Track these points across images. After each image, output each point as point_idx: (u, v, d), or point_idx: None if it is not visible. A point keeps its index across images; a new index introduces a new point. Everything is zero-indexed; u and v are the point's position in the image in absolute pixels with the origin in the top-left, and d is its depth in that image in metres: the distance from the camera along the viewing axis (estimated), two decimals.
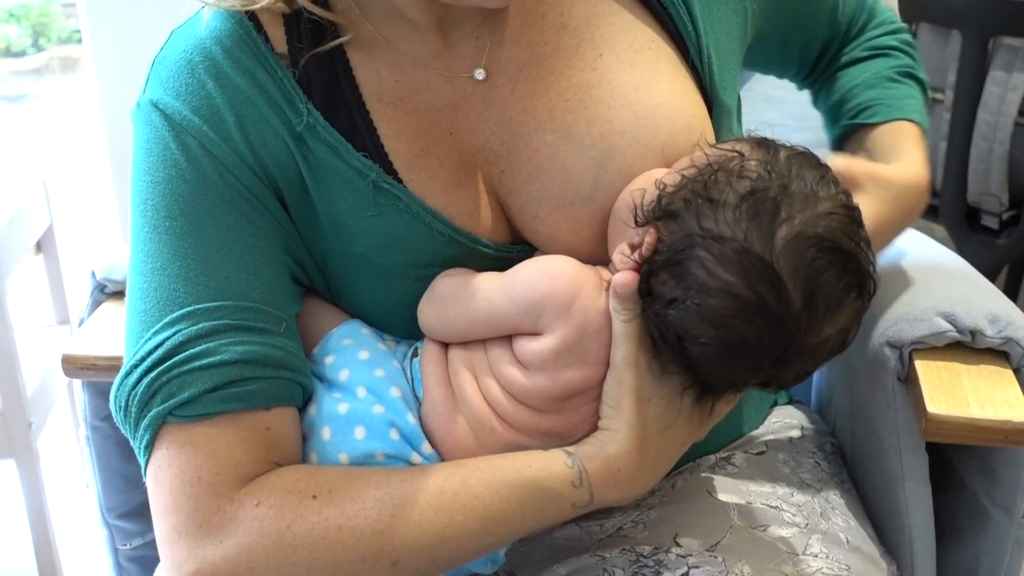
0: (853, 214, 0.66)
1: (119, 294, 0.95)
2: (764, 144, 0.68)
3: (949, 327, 0.82)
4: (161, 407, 0.67)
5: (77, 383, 1.13)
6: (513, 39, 0.75)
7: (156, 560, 0.74)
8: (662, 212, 0.67)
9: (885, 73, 0.92)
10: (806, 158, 0.68)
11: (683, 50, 0.77)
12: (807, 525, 0.81)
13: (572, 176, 0.73)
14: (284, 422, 0.70)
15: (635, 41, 0.75)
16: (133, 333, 0.70)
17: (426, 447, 0.72)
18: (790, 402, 0.99)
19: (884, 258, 0.89)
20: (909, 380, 0.83)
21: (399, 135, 0.73)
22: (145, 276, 0.70)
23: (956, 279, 0.90)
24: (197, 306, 0.68)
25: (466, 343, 0.73)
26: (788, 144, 0.69)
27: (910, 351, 0.83)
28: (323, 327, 0.77)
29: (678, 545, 0.76)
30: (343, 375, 0.73)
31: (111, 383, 0.70)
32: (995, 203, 1.89)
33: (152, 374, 0.67)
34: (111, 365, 0.85)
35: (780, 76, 0.99)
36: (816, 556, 0.78)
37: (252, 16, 0.73)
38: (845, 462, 0.96)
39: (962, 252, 1.00)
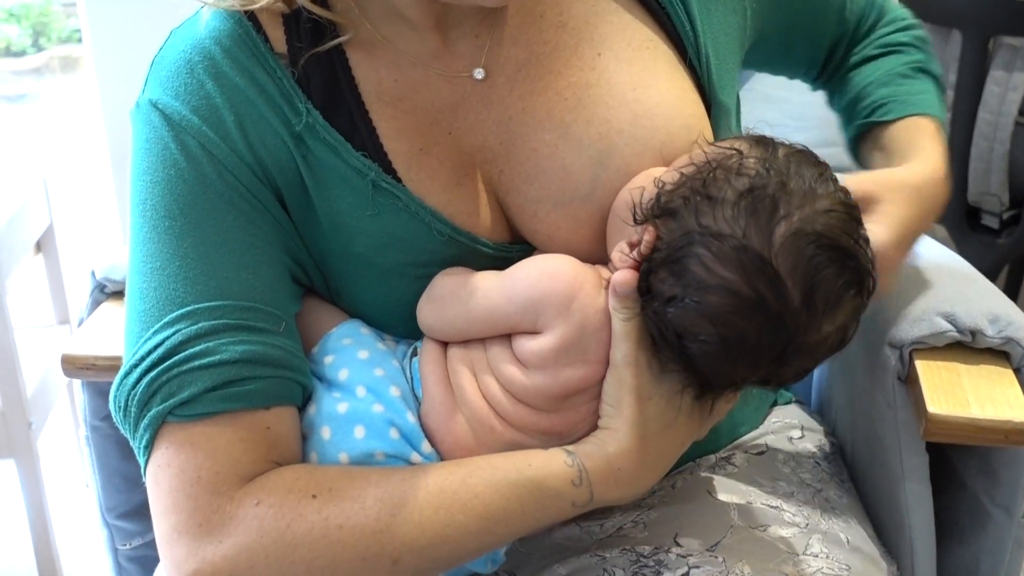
0: (852, 212, 0.66)
1: (119, 294, 0.95)
2: (763, 142, 0.68)
3: (949, 327, 0.82)
4: (161, 407, 0.67)
5: (77, 383, 1.13)
6: (512, 38, 0.75)
7: (156, 560, 0.74)
8: (661, 210, 0.67)
9: (898, 70, 0.91)
10: (805, 156, 0.68)
11: (681, 49, 0.77)
12: (807, 525, 0.81)
13: (571, 175, 0.73)
14: (284, 421, 0.70)
15: (633, 40, 0.75)
16: (133, 333, 0.70)
17: (426, 446, 0.72)
18: (790, 402, 0.99)
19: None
20: (909, 380, 0.83)
21: (398, 134, 0.73)
22: (144, 276, 0.70)
23: (956, 279, 0.90)
24: (196, 306, 0.68)
25: (465, 342, 0.73)
26: (787, 142, 0.69)
27: (910, 351, 0.83)
28: (322, 327, 0.77)
29: (678, 545, 0.76)
30: (343, 374, 0.73)
31: (111, 383, 0.70)
32: (995, 203, 1.89)
33: (152, 374, 0.67)
34: (111, 365, 0.85)
35: (791, 77, 0.98)
36: (816, 556, 0.78)
37: (251, 16, 0.73)
38: (845, 462, 0.96)
39: (962, 252, 1.00)
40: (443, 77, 0.74)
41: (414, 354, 0.75)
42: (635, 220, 0.68)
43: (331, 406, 0.72)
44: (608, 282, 0.68)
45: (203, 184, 0.70)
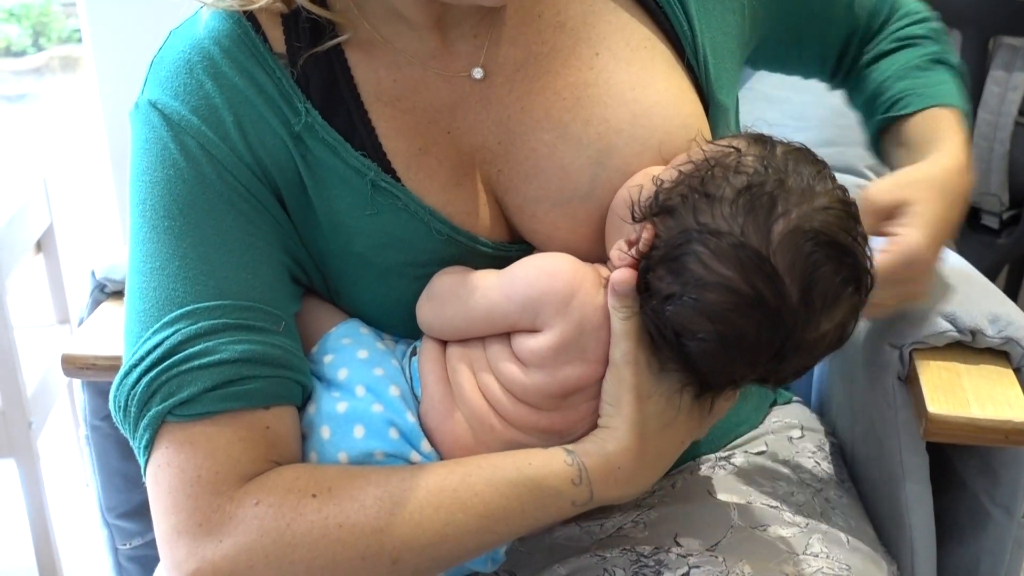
0: (850, 209, 0.66)
1: (119, 294, 0.95)
2: (761, 140, 0.68)
3: (949, 327, 0.82)
4: (160, 406, 0.67)
5: (77, 383, 1.13)
6: (511, 38, 0.75)
7: (156, 560, 0.74)
8: (659, 208, 0.67)
9: (914, 63, 0.90)
10: (803, 154, 0.68)
11: (679, 49, 0.77)
12: (807, 525, 0.81)
13: (569, 175, 0.73)
14: (283, 421, 0.70)
15: (631, 40, 0.75)
16: (132, 333, 0.70)
17: (425, 445, 0.72)
18: (790, 402, 0.99)
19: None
20: (909, 380, 0.82)
21: (397, 134, 0.73)
22: (144, 276, 0.70)
23: (956, 279, 0.90)
24: (196, 305, 0.68)
25: (464, 341, 0.73)
26: (785, 140, 0.69)
27: (910, 351, 0.83)
28: (322, 326, 0.77)
29: (678, 545, 0.76)
30: (342, 374, 0.73)
31: (111, 383, 0.70)
32: (995, 203, 1.89)
33: (151, 373, 0.67)
34: (111, 365, 0.85)
35: (807, 76, 0.97)
36: (816, 556, 0.78)
37: (250, 16, 0.73)
38: (845, 462, 0.96)
39: (962, 252, 1.00)
40: (442, 77, 0.74)
41: (413, 353, 0.75)
42: (633, 218, 0.68)
43: (330, 406, 0.72)
44: (607, 280, 0.68)
45: (202, 184, 0.70)
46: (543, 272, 0.69)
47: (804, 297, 0.63)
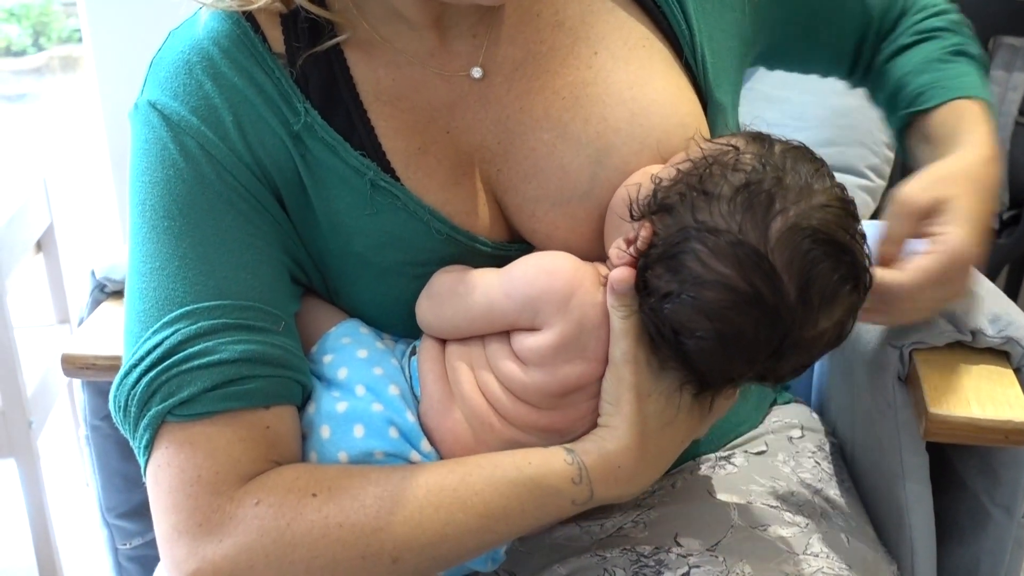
0: (848, 207, 0.66)
1: (119, 293, 0.95)
2: (759, 138, 0.68)
3: (949, 326, 0.82)
4: (160, 406, 0.67)
5: (77, 383, 1.13)
6: (509, 38, 0.75)
7: (156, 559, 0.74)
8: (657, 206, 0.67)
9: (935, 55, 0.89)
10: (801, 152, 0.68)
11: (677, 48, 0.77)
12: (807, 525, 0.81)
13: (569, 174, 0.73)
14: (283, 421, 0.70)
15: (629, 39, 0.75)
16: (132, 333, 0.70)
17: (425, 445, 0.72)
18: (790, 401, 0.99)
19: None
20: (909, 380, 0.82)
21: (396, 134, 0.73)
22: (144, 276, 0.70)
23: None
24: (196, 305, 0.68)
25: (464, 339, 0.73)
26: (783, 138, 0.69)
27: (910, 350, 0.83)
28: (321, 326, 0.77)
29: (679, 545, 0.76)
30: (342, 374, 0.73)
31: (111, 382, 0.70)
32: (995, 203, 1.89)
33: (151, 373, 0.67)
34: (111, 365, 0.85)
35: (824, 74, 0.96)
36: (816, 556, 0.78)
37: (249, 16, 0.73)
38: (845, 462, 0.96)
39: None
40: (441, 76, 0.75)
41: (413, 353, 0.75)
42: (632, 217, 0.68)
43: (330, 405, 0.72)
44: (606, 279, 0.68)
45: (202, 184, 0.70)
46: (543, 271, 0.69)
47: (802, 295, 0.63)
